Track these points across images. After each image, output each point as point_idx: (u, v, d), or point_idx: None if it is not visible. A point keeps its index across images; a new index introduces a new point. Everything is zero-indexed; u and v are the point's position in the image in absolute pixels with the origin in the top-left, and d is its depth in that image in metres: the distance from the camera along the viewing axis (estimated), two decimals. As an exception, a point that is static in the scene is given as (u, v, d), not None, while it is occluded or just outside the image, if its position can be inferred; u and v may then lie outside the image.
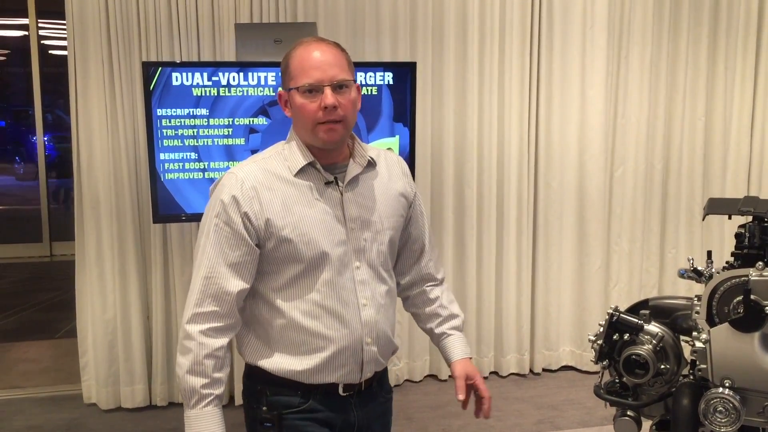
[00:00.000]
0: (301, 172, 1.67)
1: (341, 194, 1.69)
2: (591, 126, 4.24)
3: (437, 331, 1.91)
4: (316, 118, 1.62)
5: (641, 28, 4.24)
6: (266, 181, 1.65)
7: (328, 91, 1.60)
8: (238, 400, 3.85)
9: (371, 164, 1.76)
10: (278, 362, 1.69)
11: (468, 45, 4.10)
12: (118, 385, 3.90)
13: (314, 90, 1.61)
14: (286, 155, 1.69)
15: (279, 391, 1.71)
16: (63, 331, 5.25)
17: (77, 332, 3.91)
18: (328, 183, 1.68)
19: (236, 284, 1.64)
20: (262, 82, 3.18)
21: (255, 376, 1.74)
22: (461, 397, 1.81)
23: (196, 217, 3.32)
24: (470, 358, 1.88)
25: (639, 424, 1.53)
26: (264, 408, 1.70)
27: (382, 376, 1.83)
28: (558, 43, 4.18)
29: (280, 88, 1.71)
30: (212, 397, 1.63)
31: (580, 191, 4.31)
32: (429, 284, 1.93)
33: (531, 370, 4.44)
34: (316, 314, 1.66)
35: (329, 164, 1.70)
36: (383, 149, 1.89)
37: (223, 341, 1.64)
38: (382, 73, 3.31)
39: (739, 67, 4.38)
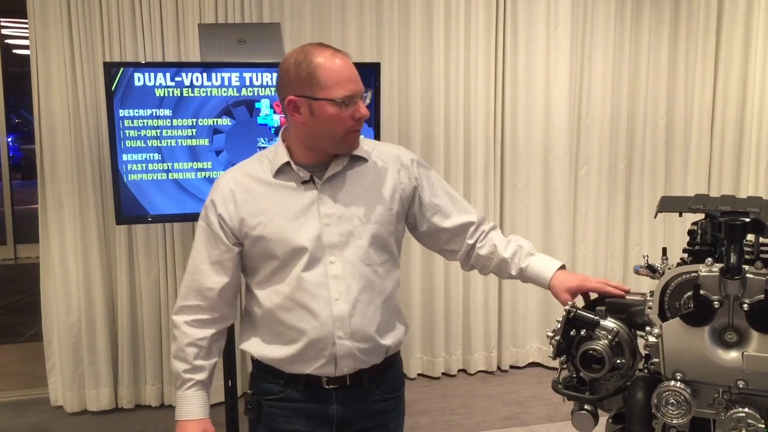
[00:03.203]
0: (280, 173, 1.74)
1: (317, 191, 1.73)
2: (555, 126, 4.30)
3: (515, 273, 1.86)
4: (348, 127, 1.68)
5: (604, 29, 4.31)
6: (245, 184, 1.75)
7: (362, 103, 1.69)
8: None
9: (359, 160, 1.79)
10: (261, 348, 1.78)
11: (433, 46, 4.12)
12: (84, 388, 3.86)
13: (349, 101, 1.67)
14: (271, 157, 1.77)
15: (265, 378, 1.81)
16: (28, 334, 5.18)
17: (43, 335, 3.86)
18: (305, 181, 1.73)
19: (217, 280, 1.76)
20: (226, 83, 3.16)
21: (253, 362, 1.86)
22: (566, 307, 1.60)
23: (162, 219, 3.30)
24: (562, 267, 1.82)
25: (596, 418, 1.55)
26: (250, 391, 1.85)
27: (381, 375, 1.83)
28: (522, 44, 4.23)
29: (291, 96, 1.67)
30: (193, 382, 1.77)
31: (545, 191, 4.36)
32: (478, 244, 1.91)
33: (498, 367, 4.48)
34: (288, 307, 1.71)
35: (317, 163, 1.75)
36: (383, 143, 1.90)
37: (206, 332, 1.78)
38: (347, 74, 3.31)
39: (699, 67, 4.47)
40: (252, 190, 1.74)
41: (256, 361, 1.83)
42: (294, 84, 1.68)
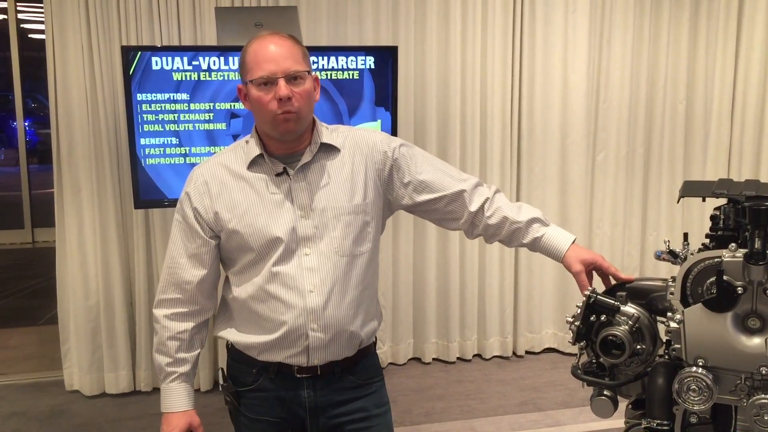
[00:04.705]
0: (253, 164, 1.73)
1: (290, 183, 1.72)
2: (573, 111, 4.26)
3: (527, 242, 1.83)
4: (272, 110, 1.65)
5: (623, 12, 4.25)
6: (219, 176, 1.74)
7: (281, 82, 1.64)
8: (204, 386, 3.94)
9: (332, 150, 1.76)
10: (235, 336, 1.79)
11: (450, 30, 4.09)
12: (102, 372, 3.90)
13: (269, 82, 1.64)
14: (245, 148, 1.76)
15: (238, 368, 1.82)
16: (45, 318, 5.23)
17: (58, 319, 3.90)
18: (279, 174, 1.72)
19: (195, 273, 1.76)
20: (243, 67, 3.16)
21: (228, 351, 1.87)
22: (586, 292, 1.59)
23: (178, 203, 3.32)
24: (574, 241, 1.80)
25: (615, 404, 1.54)
26: (228, 383, 1.85)
27: (353, 365, 1.81)
28: (540, 28, 4.19)
29: (239, 84, 1.73)
30: (176, 375, 1.79)
31: (562, 176, 4.33)
32: (486, 213, 1.84)
33: (514, 353, 4.48)
34: (262, 298, 1.72)
35: (288, 154, 1.73)
36: (356, 129, 1.87)
37: (186, 325, 1.79)
38: (363, 58, 3.30)
39: (719, 50, 4.41)
40: (226, 183, 1.73)
41: (230, 351, 1.85)
42: (240, 72, 1.73)
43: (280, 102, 1.64)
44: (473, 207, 1.84)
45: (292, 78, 1.65)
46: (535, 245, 1.83)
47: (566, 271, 1.82)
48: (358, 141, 1.81)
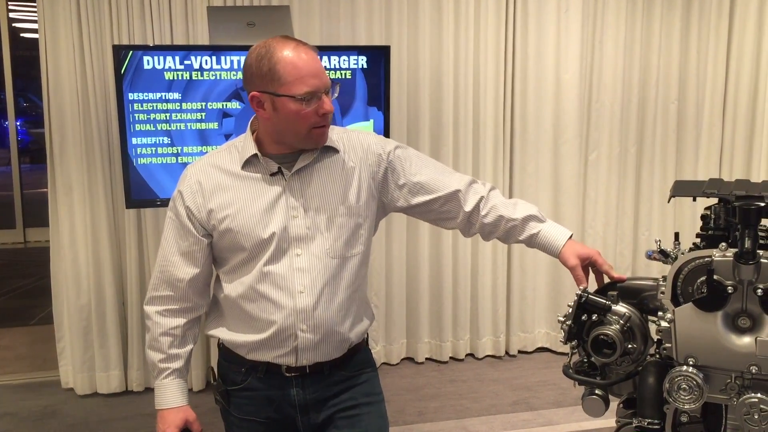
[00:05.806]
0: (248, 164, 1.72)
1: (285, 183, 1.71)
2: (565, 110, 4.27)
3: (523, 239, 1.83)
4: (310, 123, 1.65)
5: (615, 12, 4.26)
6: (213, 175, 1.74)
7: (326, 98, 1.65)
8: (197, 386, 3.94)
9: (329, 150, 1.76)
10: (225, 334, 1.80)
11: (443, 29, 4.09)
12: (94, 371, 3.89)
13: (311, 97, 1.63)
14: (240, 148, 1.75)
15: (228, 367, 1.83)
16: (38, 317, 5.21)
17: (53, 318, 3.88)
18: (273, 173, 1.72)
19: (187, 271, 1.76)
20: (235, 66, 3.15)
21: (219, 350, 1.87)
22: (582, 286, 1.66)
23: (171, 202, 3.31)
24: (571, 236, 1.81)
25: (607, 403, 1.55)
26: (218, 381, 1.86)
27: (344, 362, 1.81)
28: (533, 27, 4.19)
29: (254, 92, 1.65)
30: (169, 371, 1.79)
31: (555, 175, 4.34)
32: (482, 212, 1.85)
33: (507, 352, 4.48)
34: (252, 298, 1.72)
35: (285, 154, 1.72)
36: (350, 130, 1.86)
37: (178, 321, 1.79)
38: (355, 57, 3.30)
39: (711, 50, 4.43)
40: (220, 183, 1.72)
41: (221, 350, 1.85)
42: (256, 79, 1.65)
43: (323, 116, 1.65)
44: (468, 207, 1.85)
45: (327, 91, 1.66)
46: (532, 242, 1.84)
47: (559, 270, 1.84)
48: (352, 143, 1.80)
